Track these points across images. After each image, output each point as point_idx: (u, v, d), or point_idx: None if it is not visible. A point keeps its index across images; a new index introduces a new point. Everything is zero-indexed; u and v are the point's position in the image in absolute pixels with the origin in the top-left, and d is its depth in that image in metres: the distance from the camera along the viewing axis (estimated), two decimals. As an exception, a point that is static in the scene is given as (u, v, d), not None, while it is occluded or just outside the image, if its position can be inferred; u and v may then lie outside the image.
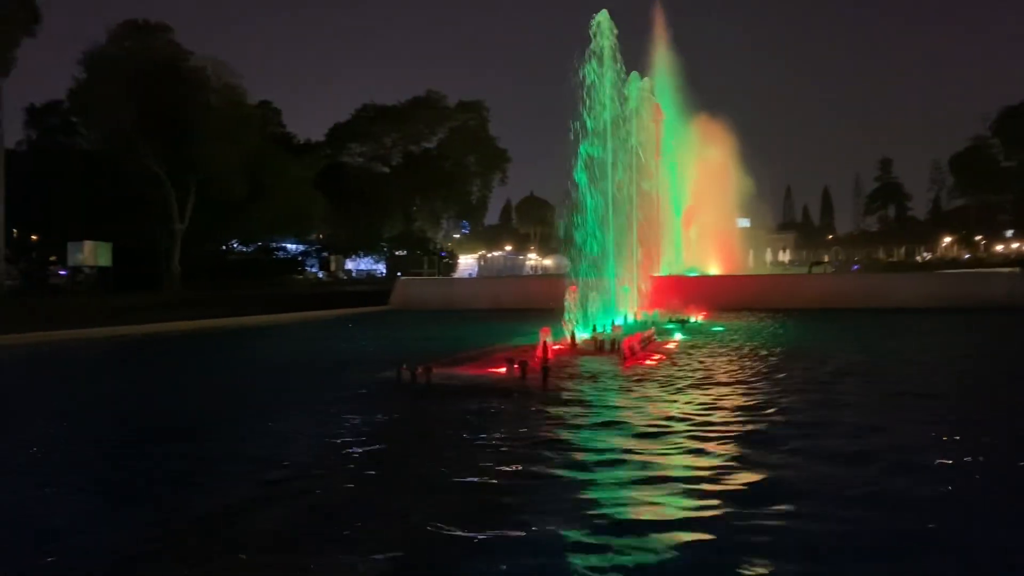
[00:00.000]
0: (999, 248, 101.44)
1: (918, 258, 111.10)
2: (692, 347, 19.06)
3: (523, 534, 5.70)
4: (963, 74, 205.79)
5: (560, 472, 7.41)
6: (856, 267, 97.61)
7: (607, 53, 25.11)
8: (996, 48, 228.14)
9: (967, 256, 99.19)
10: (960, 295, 32.65)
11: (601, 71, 24.84)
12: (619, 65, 25.92)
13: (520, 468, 7.60)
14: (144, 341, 25.13)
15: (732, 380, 13.34)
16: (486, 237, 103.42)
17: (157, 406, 12.70)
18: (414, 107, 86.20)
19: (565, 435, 9.18)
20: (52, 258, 54.98)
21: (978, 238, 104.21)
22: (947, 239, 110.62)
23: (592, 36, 24.84)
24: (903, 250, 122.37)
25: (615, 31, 25.37)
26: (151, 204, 48.02)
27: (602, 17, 25.06)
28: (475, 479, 7.29)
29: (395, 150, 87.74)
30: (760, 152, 58.06)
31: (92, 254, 44.08)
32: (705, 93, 53.30)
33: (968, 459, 7.81)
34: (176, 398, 13.52)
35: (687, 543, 5.48)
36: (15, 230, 50.71)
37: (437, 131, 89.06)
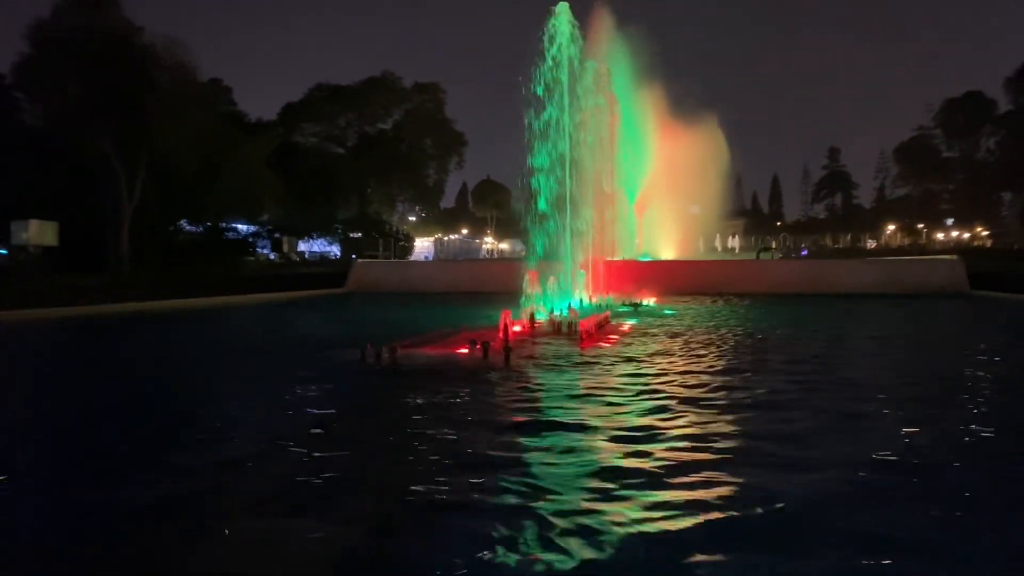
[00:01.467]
0: (940, 236, 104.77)
1: (866, 245, 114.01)
2: (645, 330, 19.61)
3: (487, 507, 6.03)
4: (912, 65, 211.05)
5: (522, 453, 7.72)
6: (804, 252, 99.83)
7: (565, 41, 25.40)
8: (943, 40, 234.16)
9: (909, 244, 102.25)
10: (902, 282, 33.90)
11: (558, 59, 25.14)
12: (576, 52, 26.22)
13: (483, 446, 7.92)
14: (93, 323, 24.72)
15: (681, 359, 13.88)
16: (442, 220, 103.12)
17: (111, 391, 12.66)
18: (369, 87, 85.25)
19: (526, 415, 9.54)
20: (-6, 237, 53.44)
21: (920, 226, 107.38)
22: (891, 227, 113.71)
23: (551, 24, 25.14)
24: (849, 237, 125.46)
25: (573, 21, 25.68)
26: (98, 182, 46.90)
27: (560, 8, 25.37)
28: (438, 457, 7.57)
29: (350, 131, 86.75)
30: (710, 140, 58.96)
31: (38, 233, 42.91)
32: (659, 81, 53.77)
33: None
34: (130, 383, 13.38)
35: (639, 530, 5.86)
36: (-46, 208, 49.09)
37: (393, 112, 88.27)
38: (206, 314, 28.24)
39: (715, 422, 8.83)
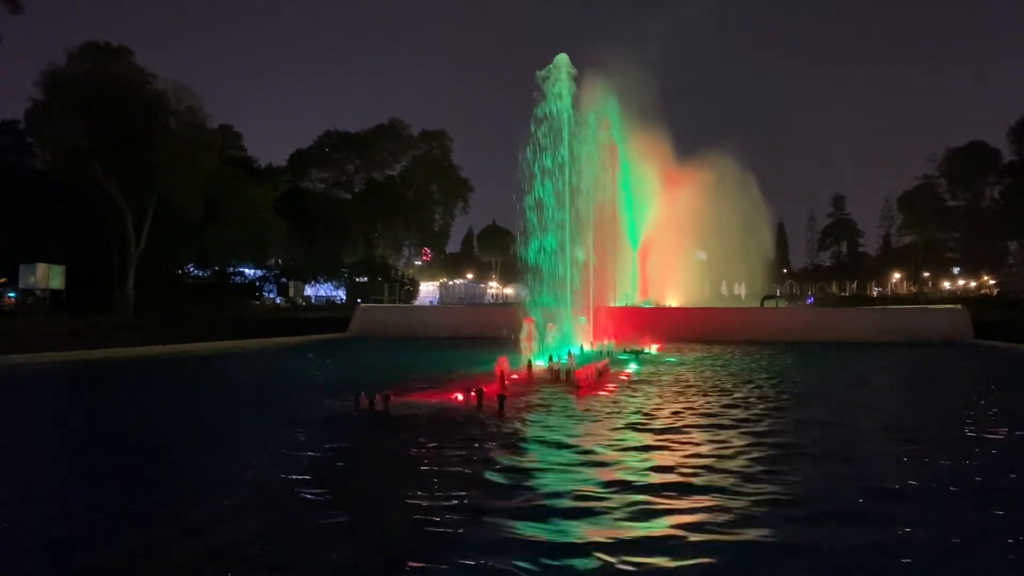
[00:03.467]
0: (947, 285, 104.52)
1: (871, 293, 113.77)
2: (645, 378, 19.50)
3: (469, 562, 5.98)
4: (918, 114, 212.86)
5: (507, 503, 7.66)
6: (811, 300, 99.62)
7: (565, 94, 25.80)
8: (949, 89, 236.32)
9: (915, 292, 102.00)
10: (905, 330, 33.76)
11: (558, 108, 25.52)
12: (574, 102, 26.62)
13: (466, 498, 7.86)
14: (98, 367, 24.78)
15: (678, 413, 13.76)
16: (448, 265, 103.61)
17: (110, 435, 12.67)
18: (377, 135, 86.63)
19: (516, 464, 9.46)
20: (2, 280, 53.83)
21: (926, 274, 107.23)
22: (897, 275, 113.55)
23: (551, 77, 25.60)
24: (855, 285, 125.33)
25: (573, 72, 26.10)
26: (106, 226, 47.45)
27: (560, 60, 25.82)
28: (424, 506, 7.53)
29: (357, 177, 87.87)
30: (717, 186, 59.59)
31: (45, 276, 43.29)
32: (664, 129, 54.49)
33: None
34: (130, 427, 13.38)
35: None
36: (-37, 251, 49.55)
37: (400, 159, 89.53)
38: (209, 359, 28.24)
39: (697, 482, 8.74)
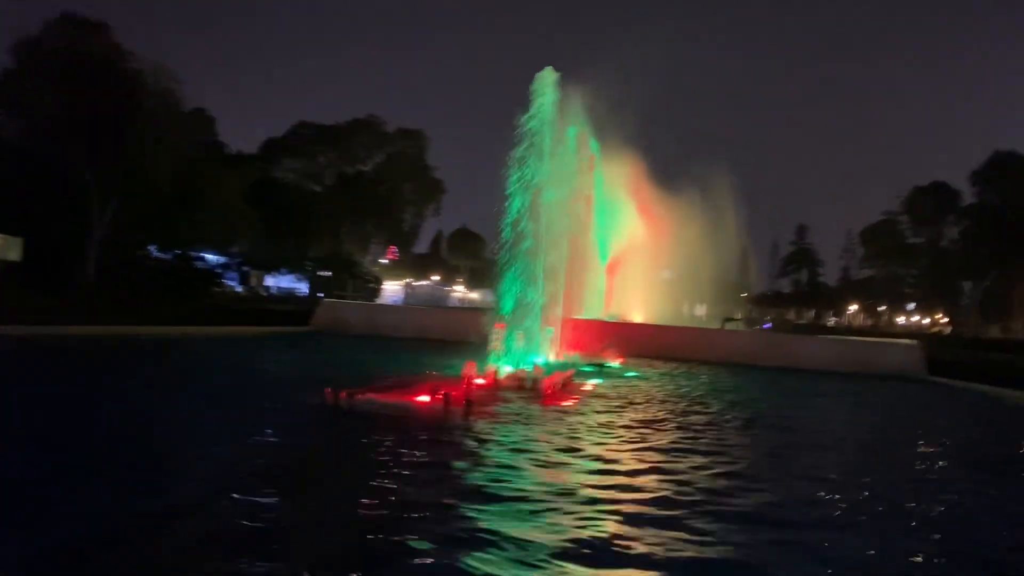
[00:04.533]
0: (901, 320, 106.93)
1: (828, 322, 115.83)
2: (606, 391, 19.73)
3: (424, 561, 6.06)
4: (884, 150, 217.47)
5: (466, 505, 7.76)
6: (768, 325, 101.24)
7: (547, 107, 25.99)
8: (917, 128, 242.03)
9: (871, 324, 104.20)
10: (861, 361, 34.43)
11: (539, 119, 25.71)
12: (557, 114, 26.82)
13: (428, 497, 7.94)
14: (56, 345, 24.30)
15: (636, 424, 13.99)
16: (414, 265, 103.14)
17: (63, 419, 12.35)
18: (353, 129, 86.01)
19: (477, 468, 9.57)
20: (-45, 248, 52.46)
21: (882, 308, 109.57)
22: (854, 306, 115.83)
23: (534, 90, 25.80)
24: (812, 313, 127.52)
25: (557, 84, 26.29)
26: (71, 202, 46.48)
27: (545, 73, 26.02)
28: (383, 507, 7.59)
29: (329, 170, 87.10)
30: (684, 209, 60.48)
31: (2, 247, 42.33)
32: (639, 147, 55.06)
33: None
34: (74, 414, 12.62)
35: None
36: (-82, 215, 48.22)
37: (374, 155, 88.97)
38: (167, 343, 27.87)
39: (653, 486, 8.92)
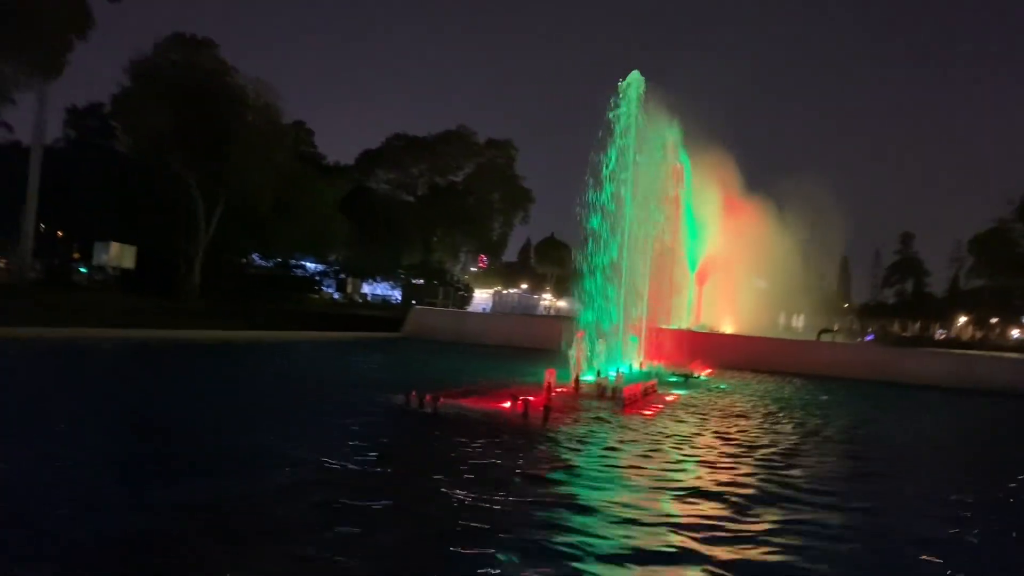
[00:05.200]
0: (1015, 333, 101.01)
1: (936, 335, 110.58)
2: (690, 402, 19.53)
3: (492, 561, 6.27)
4: (994, 154, 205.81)
5: (550, 512, 7.93)
6: (870, 337, 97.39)
7: (633, 110, 25.93)
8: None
9: (981, 337, 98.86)
10: (966, 376, 32.84)
11: (626, 126, 25.68)
12: (643, 121, 26.73)
13: (504, 498, 8.15)
14: (166, 347, 25.81)
15: (718, 439, 13.84)
16: (503, 273, 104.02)
17: (174, 413, 13.33)
18: (444, 140, 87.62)
19: (554, 474, 9.72)
20: (76, 255, 56.02)
21: (994, 320, 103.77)
22: (962, 318, 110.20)
23: (620, 97, 25.77)
24: (918, 325, 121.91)
25: (642, 92, 26.19)
26: (179, 212, 49.09)
27: (632, 78, 25.96)
28: (460, 503, 7.85)
29: (421, 180, 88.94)
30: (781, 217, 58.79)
31: (118, 255, 45.13)
32: (730, 153, 54.15)
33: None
34: (192, 407, 14.04)
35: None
36: (43, 225, 51.80)
37: (464, 165, 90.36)
38: (269, 347, 29.15)
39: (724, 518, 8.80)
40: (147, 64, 47.34)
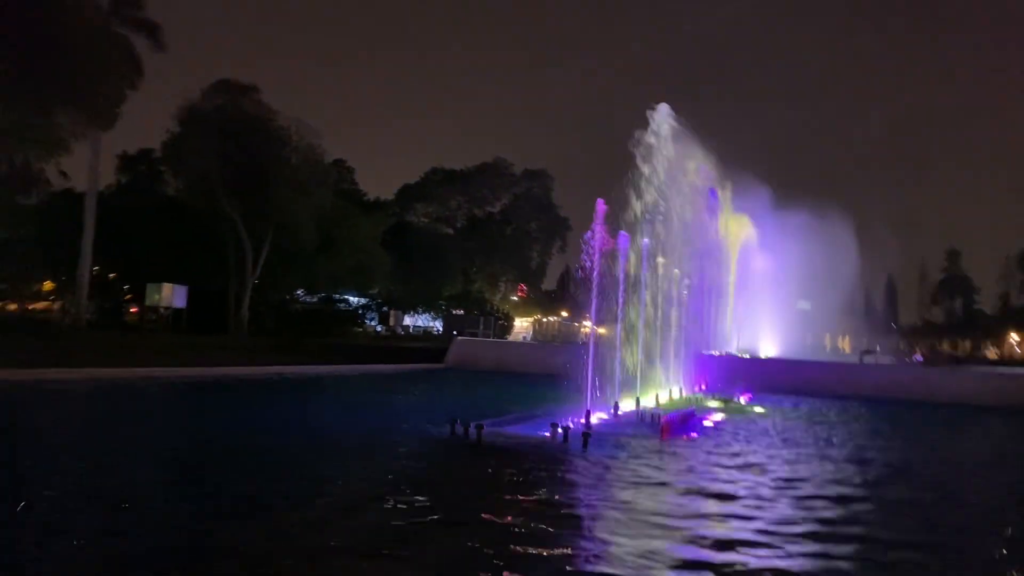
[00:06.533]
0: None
1: (988, 353, 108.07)
2: (728, 427, 19.76)
3: None
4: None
5: (581, 540, 8.42)
6: (919, 358, 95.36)
7: (664, 136, 26.48)
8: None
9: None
10: (1011, 395, 32.37)
11: (659, 154, 26.23)
12: (674, 149, 27.24)
13: (542, 526, 8.65)
14: (218, 384, 26.72)
15: (748, 464, 14.12)
16: (543, 302, 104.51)
17: (226, 447, 14.07)
18: (481, 172, 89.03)
19: (583, 501, 10.20)
20: (128, 296, 57.90)
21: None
22: (1014, 336, 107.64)
23: (652, 125, 26.37)
24: (968, 344, 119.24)
25: (671, 123, 26.76)
26: (226, 251, 50.70)
27: (661, 107, 26.57)
28: (500, 526, 8.39)
29: (460, 212, 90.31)
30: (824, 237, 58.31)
31: (169, 296, 46.70)
32: (765, 175, 54.28)
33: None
34: (248, 439, 14.70)
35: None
36: (96, 267, 53.74)
37: (502, 196, 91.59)
38: (313, 380, 29.99)
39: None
40: (194, 110, 49.27)
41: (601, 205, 19.86)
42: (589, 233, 19.60)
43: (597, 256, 18.81)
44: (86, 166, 45.38)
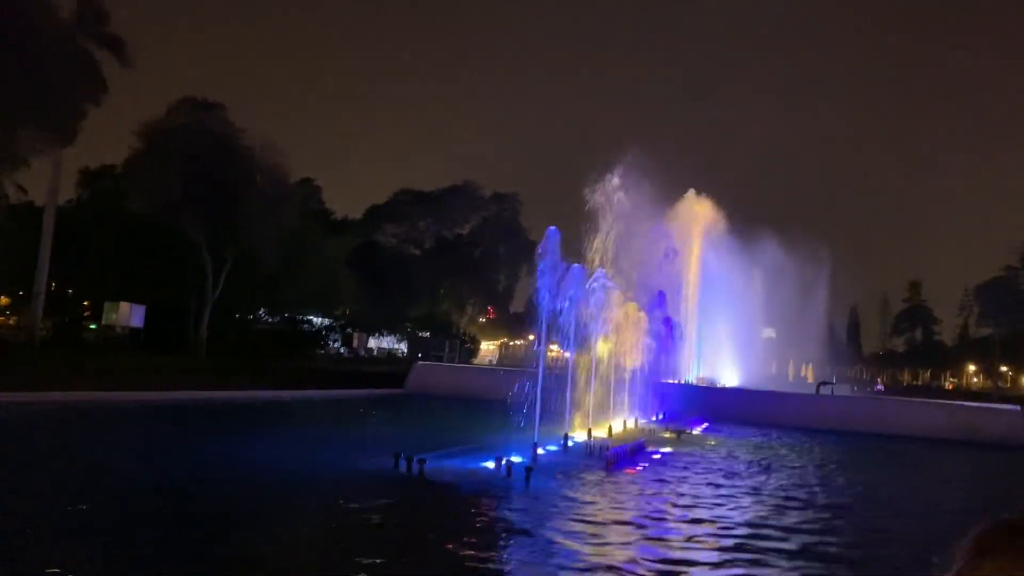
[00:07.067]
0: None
1: (945, 384, 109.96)
2: (676, 458, 19.87)
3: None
4: (1003, 201, 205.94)
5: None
6: (880, 387, 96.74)
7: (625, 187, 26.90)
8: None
9: (991, 387, 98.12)
10: (961, 428, 32.90)
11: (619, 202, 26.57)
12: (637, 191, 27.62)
13: (472, 561, 8.65)
14: (161, 410, 26.10)
15: (695, 496, 14.25)
16: (510, 324, 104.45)
17: (168, 477, 13.84)
18: (450, 194, 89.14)
19: (520, 535, 10.21)
20: (86, 314, 56.87)
21: (1004, 369, 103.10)
22: (972, 367, 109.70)
23: (615, 169, 26.76)
24: (928, 374, 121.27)
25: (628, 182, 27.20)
26: (187, 270, 50.05)
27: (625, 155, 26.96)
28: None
29: (428, 234, 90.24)
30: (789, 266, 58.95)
31: (127, 315, 45.96)
32: (734, 201, 55.09)
33: None
34: (188, 470, 14.46)
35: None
36: (53, 283, 52.78)
37: (470, 218, 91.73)
38: (270, 407, 29.58)
39: None
40: (157, 127, 48.78)
41: (555, 232, 20.04)
42: (540, 248, 19.76)
43: (547, 279, 18.95)
44: (45, 181, 44.77)
